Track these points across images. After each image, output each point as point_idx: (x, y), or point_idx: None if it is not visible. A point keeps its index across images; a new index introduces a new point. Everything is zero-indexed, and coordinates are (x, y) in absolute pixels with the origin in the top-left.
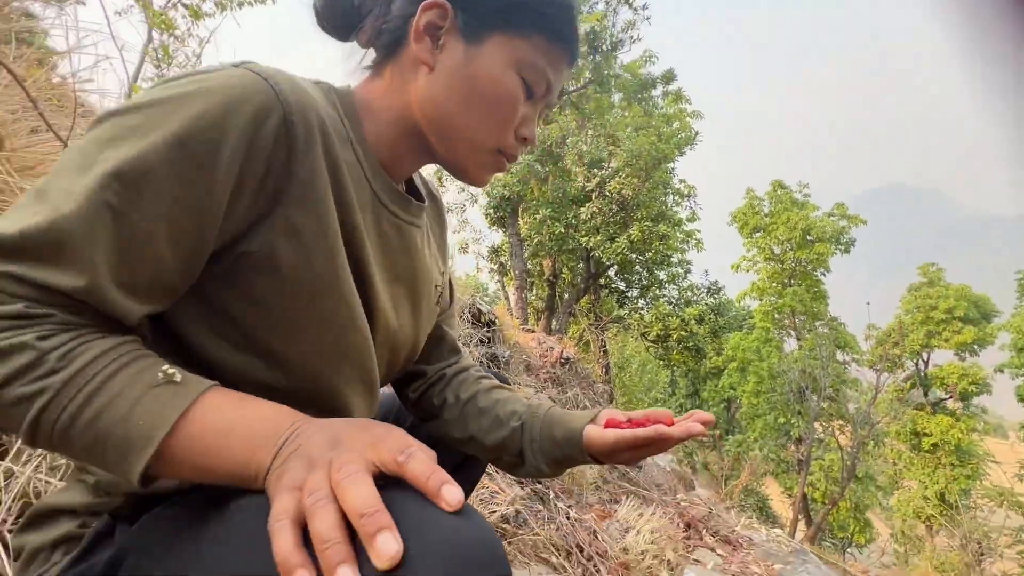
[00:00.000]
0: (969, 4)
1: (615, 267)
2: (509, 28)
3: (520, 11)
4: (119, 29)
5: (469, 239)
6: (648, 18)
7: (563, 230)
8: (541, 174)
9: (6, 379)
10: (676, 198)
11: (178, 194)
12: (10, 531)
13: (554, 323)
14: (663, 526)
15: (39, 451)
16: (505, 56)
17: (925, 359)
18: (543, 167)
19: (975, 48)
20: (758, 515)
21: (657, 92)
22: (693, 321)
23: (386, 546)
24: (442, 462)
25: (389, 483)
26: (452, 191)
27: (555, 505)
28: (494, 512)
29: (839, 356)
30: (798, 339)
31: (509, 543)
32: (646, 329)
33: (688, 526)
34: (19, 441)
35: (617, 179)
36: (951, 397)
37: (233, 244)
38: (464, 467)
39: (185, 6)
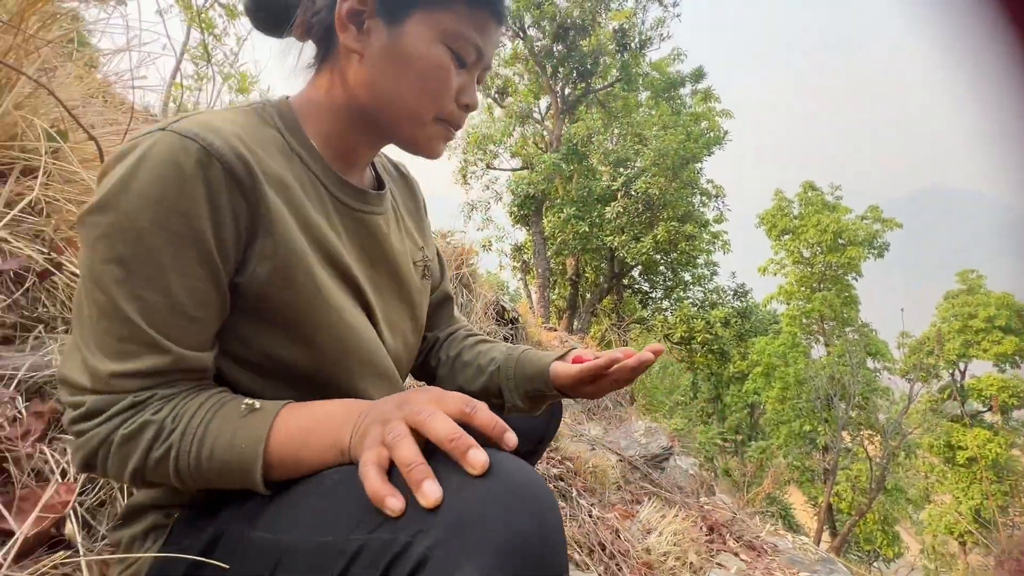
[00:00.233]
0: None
1: (639, 267)
2: (427, 3)
3: None
4: (159, 28)
5: (493, 236)
6: (679, 15)
7: (587, 229)
8: (566, 172)
9: (146, 450)
10: (703, 198)
11: (186, 269)
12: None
13: (576, 322)
14: (686, 528)
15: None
16: (428, 31)
17: (962, 369)
18: (568, 165)
19: (1018, 43)
20: (782, 523)
21: (686, 90)
22: (718, 324)
23: (478, 457)
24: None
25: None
26: (476, 189)
27: (578, 502)
28: None
29: (870, 363)
30: (826, 345)
31: None
32: (670, 331)
33: (711, 530)
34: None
35: (643, 178)
36: (990, 410)
37: (231, 281)
38: None
39: (222, 5)
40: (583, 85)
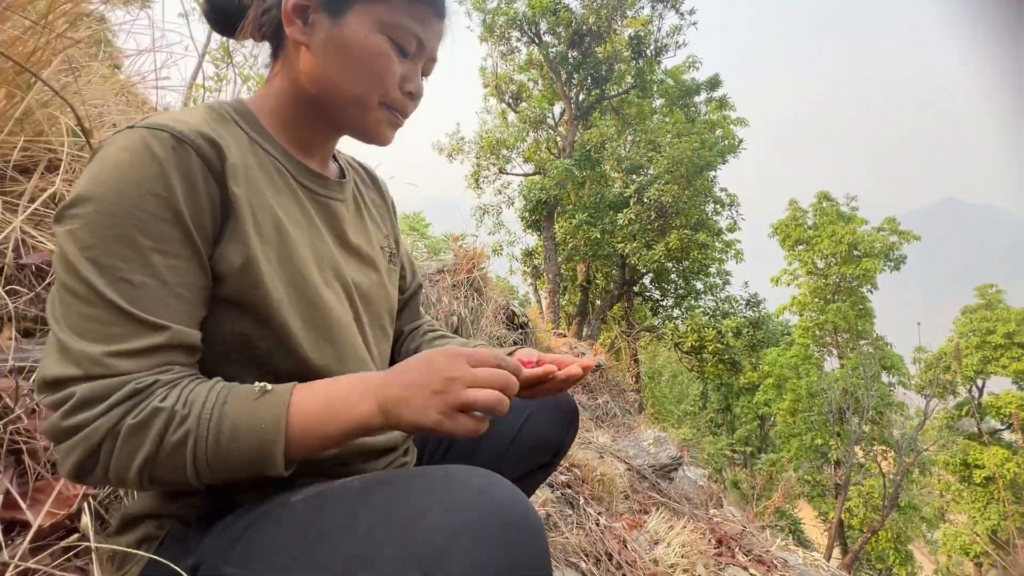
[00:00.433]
0: None
1: (650, 275)
2: None
3: None
4: (181, 30)
5: (504, 241)
6: (695, 23)
7: (599, 235)
8: (579, 178)
9: (159, 437)
10: (717, 207)
11: (167, 248)
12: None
13: (585, 329)
14: (694, 540)
15: None
16: (367, 22)
17: (980, 386)
18: (581, 171)
19: None
20: (792, 538)
21: (700, 98)
22: (730, 334)
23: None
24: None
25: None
26: (488, 193)
27: (585, 511)
28: None
29: (884, 378)
30: (840, 357)
31: None
32: (680, 339)
33: (720, 542)
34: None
35: (656, 185)
36: (1009, 428)
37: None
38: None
39: None
40: (597, 91)
